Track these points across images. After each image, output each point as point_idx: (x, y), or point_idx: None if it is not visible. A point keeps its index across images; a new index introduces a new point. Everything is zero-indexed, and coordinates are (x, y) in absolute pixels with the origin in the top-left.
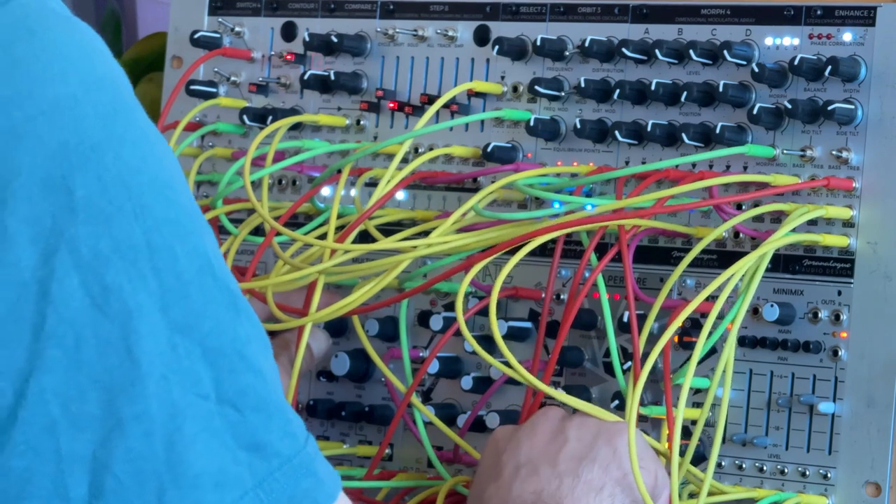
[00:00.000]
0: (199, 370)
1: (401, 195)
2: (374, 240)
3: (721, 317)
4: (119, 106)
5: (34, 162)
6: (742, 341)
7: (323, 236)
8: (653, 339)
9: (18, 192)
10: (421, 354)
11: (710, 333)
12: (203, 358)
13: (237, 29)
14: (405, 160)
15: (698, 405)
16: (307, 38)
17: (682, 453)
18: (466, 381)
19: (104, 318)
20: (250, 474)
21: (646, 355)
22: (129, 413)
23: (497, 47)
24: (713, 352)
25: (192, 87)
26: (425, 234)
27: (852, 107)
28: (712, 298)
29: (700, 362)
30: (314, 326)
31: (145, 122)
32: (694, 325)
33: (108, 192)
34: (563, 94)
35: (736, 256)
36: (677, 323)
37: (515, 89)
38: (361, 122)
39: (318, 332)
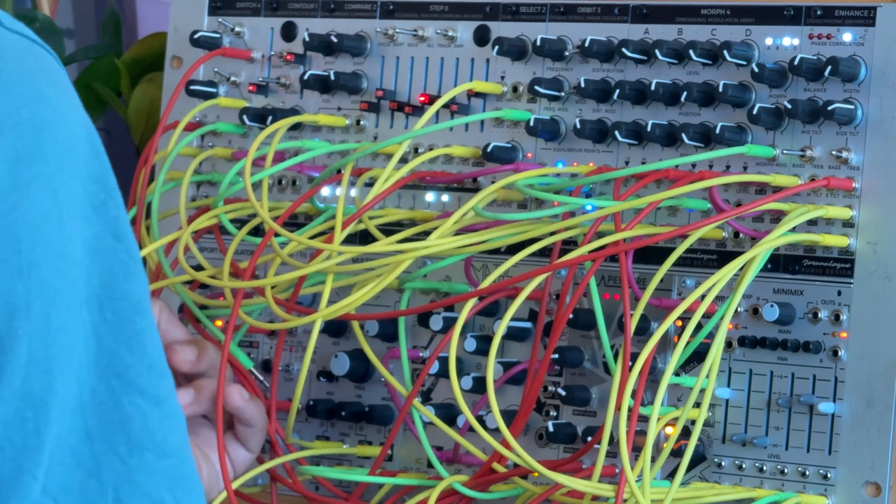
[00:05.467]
0: (41, 451)
1: (406, 198)
2: (374, 239)
3: (709, 316)
4: (33, 155)
5: None
6: (742, 341)
7: (319, 235)
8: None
9: None
10: (421, 354)
11: (700, 333)
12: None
13: (237, 29)
14: (405, 160)
15: (699, 405)
16: (307, 38)
17: (681, 453)
18: (466, 382)
19: None
20: None
21: (635, 355)
22: None
23: (497, 47)
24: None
25: (192, 88)
26: (426, 234)
27: (852, 107)
28: (716, 299)
29: (701, 363)
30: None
31: (62, 180)
32: (697, 326)
33: None
34: (563, 94)
35: (736, 257)
36: (668, 322)
37: (515, 89)
38: (361, 122)
39: (237, 446)
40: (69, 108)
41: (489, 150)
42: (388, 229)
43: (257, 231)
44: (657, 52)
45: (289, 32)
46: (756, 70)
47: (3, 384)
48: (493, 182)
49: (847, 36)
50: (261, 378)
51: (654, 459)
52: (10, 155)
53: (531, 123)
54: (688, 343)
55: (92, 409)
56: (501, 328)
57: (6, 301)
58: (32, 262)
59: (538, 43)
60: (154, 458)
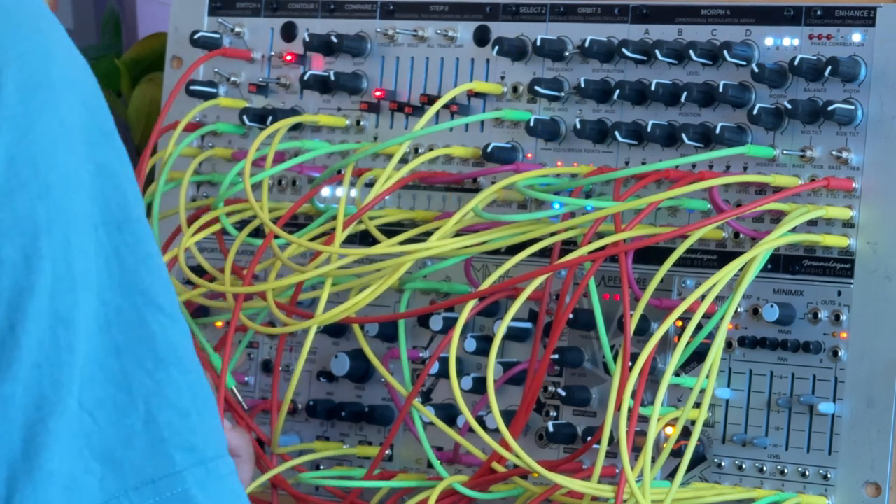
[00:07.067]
0: (73, 367)
1: (406, 198)
2: (375, 240)
3: (709, 316)
4: (40, 82)
5: None
6: (742, 341)
7: (321, 235)
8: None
9: None
10: (421, 355)
11: (700, 333)
12: None
13: (237, 29)
14: (405, 160)
15: (699, 405)
16: (307, 39)
17: (681, 453)
18: (466, 382)
19: None
20: (100, 489)
21: (635, 355)
22: None
23: (497, 47)
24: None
25: (192, 88)
26: (426, 234)
27: (852, 107)
28: (716, 299)
29: (701, 363)
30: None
31: (68, 107)
32: (697, 326)
33: (14, 166)
34: (563, 94)
35: (736, 257)
36: (668, 322)
37: (515, 89)
38: (361, 123)
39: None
40: (66, 42)
41: (489, 150)
42: (389, 230)
43: (258, 232)
44: (657, 52)
45: (289, 32)
46: (756, 70)
47: (33, 301)
48: (493, 182)
49: (847, 36)
50: (240, 399)
51: (654, 460)
52: (19, 83)
53: (531, 123)
54: (688, 343)
55: (118, 326)
56: (502, 329)
57: (29, 222)
58: (49, 184)
59: (538, 43)
60: (178, 373)
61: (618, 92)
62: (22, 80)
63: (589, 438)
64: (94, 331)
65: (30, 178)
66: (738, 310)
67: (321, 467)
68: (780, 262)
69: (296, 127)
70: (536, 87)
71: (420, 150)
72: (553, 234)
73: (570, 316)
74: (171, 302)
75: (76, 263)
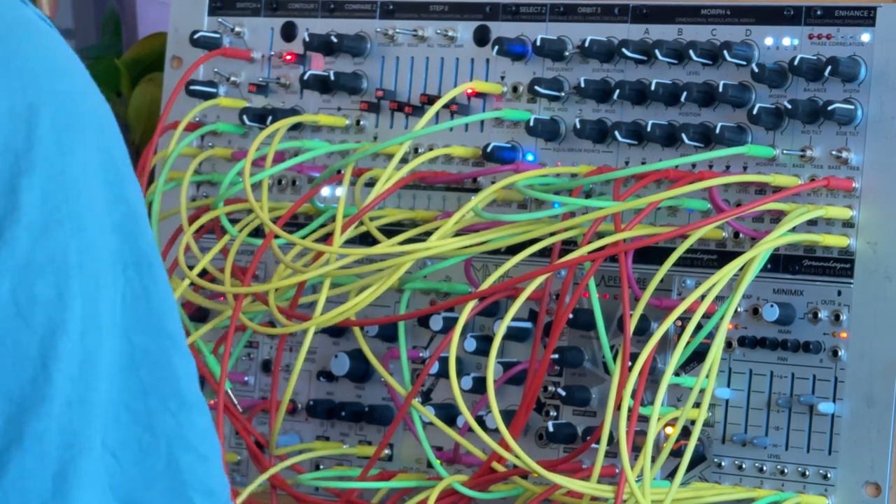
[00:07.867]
0: (98, 406)
1: (406, 198)
2: (375, 240)
3: (709, 316)
4: (72, 122)
5: None
6: (742, 341)
7: (325, 237)
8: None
9: None
10: (421, 355)
11: (700, 333)
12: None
13: (237, 29)
14: (405, 160)
15: (698, 405)
16: (307, 38)
17: (681, 453)
18: (466, 382)
19: (26, 328)
20: None
21: (635, 355)
22: (31, 430)
23: (497, 47)
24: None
25: (192, 88)
26: (426, 234)
27: (852, 107)
28: (716, 299)
29: (701, 363)
30: None
31: (96, 148)
32: (697, 326)
33: (49, 203)
34: (563, 94)
35: (736, 257)
36: (668, 322)
37: (515, 89)
38: (361, 123)
39: None
40: (91, 81)
41: (489, 150)
42: (389, 230)
43: (258, 232)
44: (657, 52)
45: (289, 32)
46: (756, 70)
47: (65, 340)
48: (493, 182)
49: (847, 36)
50: (235, 402)
51: (653, 459)
52: (54, 122)
53: (531, 123)
54: (688, 343)
55: (146, 367)
56: (502, 328)
57: (62, 260)
58: (82, 223)
59: (538, 43)
60: (198, 415)
61: (618, 92)
62: (56, 119)
63: (589, 438)
64: (118, 371)
65: (64, 216)
66: (738, 310)
67: (321, 467)
68: (780, 262)
69: (296, 127)
70: (536, 87)
71: (420, 150)
72: (553, 234)
73: (570, 316)
74: (185, 341)
75: (103, 302)
